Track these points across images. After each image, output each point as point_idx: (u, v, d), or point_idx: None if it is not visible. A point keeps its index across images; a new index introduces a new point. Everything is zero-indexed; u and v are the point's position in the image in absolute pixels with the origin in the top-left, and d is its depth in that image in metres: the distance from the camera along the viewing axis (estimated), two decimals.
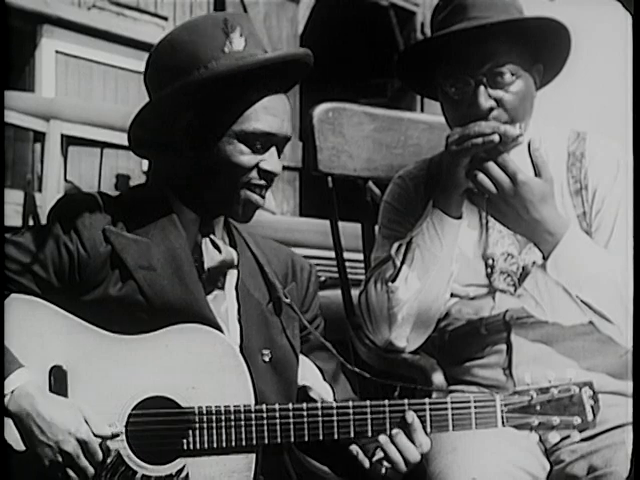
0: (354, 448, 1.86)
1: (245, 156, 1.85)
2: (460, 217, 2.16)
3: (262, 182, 1.87)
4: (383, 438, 1.83)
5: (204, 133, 1.85)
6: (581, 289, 2.10)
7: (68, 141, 5.98)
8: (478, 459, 2.02)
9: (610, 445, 2.08)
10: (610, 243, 2.16)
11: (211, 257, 1.89)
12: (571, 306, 2.14)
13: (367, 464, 1.85)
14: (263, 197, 1.89)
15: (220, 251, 1.90)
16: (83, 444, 1.73)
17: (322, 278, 4.80)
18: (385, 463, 1.84)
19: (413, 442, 1.83)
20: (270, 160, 1.86)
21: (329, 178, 2.63)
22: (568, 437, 2.10)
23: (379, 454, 1.85)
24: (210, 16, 1.89)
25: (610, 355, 2.19)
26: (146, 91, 1.93)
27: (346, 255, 2.70)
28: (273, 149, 1.87)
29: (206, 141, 1.85)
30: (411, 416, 1.83)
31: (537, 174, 2.06)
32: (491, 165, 2.05)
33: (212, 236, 1.91)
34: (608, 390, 2.15)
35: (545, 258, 2.10)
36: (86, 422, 1.74)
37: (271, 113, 1.85)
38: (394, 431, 1.82)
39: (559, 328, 2.19)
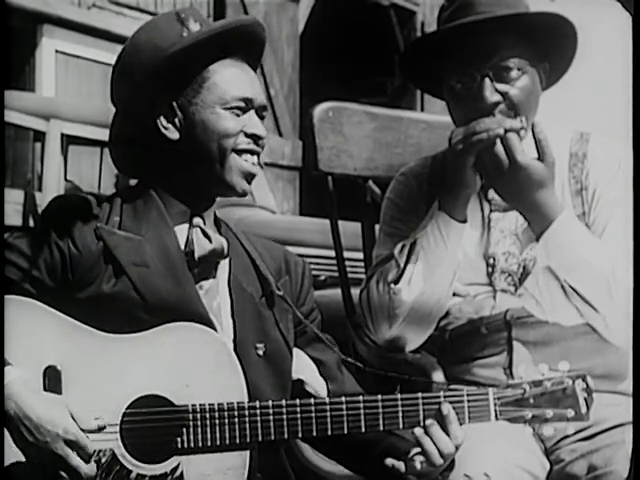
0: (389, 461, 1.86)
1: (230, 122, 1.90)
2: (465, 221, 2.16)
3: (250, 146, 1.92)
4: (418, 430, 1.83)
5: (184, 111, 1.91)
6: (569, 273, 2.11)
7: (68, 140, 5.97)
8: (478, 458, 2.02)
9: (610, 444, 2.08)
10: (603, 237, 2.16)
11: (202, 246, 1.91)
12: (571, 306, 2.15)
13: (403, 468, 1.85)
14: (254, 164, 1.93)
15: (210, 240, 1.92)
16: (72, 444, 1.73)
17: (322, 277, 4.80)
18: (420, 457, 1.84)
19: (448, 434, 1.83)
20: (253, 124, 1.92)
21: (329, 177, 2.63)
22: (569, 436, 2.12)
23: (414, 450, 1.85)
24: (162, 14, 1.99)
25: (610, 355, 2.19)
26: (114, 106, 1.99)
27: (346, 254, 2.70)
28: (252, 113, 1.93)
29: (188, 119, 1.91)
30: (447, 408, 1.84)
31: (540, 157, 2.07)
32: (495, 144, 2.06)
33: (202, 226, 1.93)
34: (608, 389, 2.15)
35: (537, 239, 2.11)
36: (73, 419, 1.74)
37: (243, 81, 1.93)
38: (428, 422, 1.83)
39: (559, 328, 2.19)
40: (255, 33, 1.96)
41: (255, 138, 1.92)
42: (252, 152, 1.93)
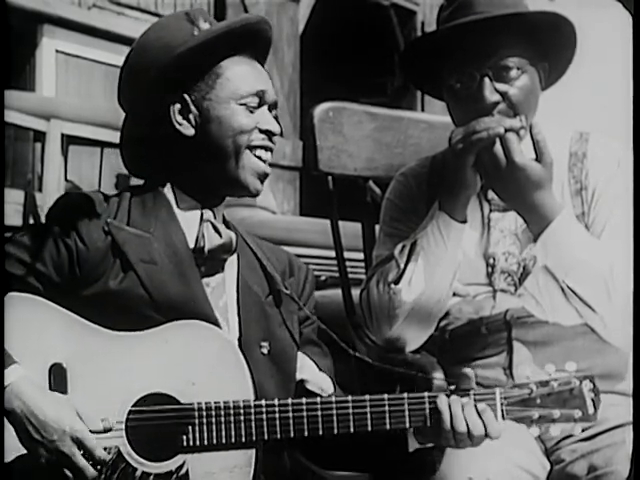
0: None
1: (244, 118, 1.92)
2: (465, 221, 2.16)
3: (265, 142, 1.93)
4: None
5: (199, 107, 1.91)
6: (567, 274, 2.11)
7: (68, 141, 5.98)
8: (479, 459, 2.02)
9: (610, 444, 2.08)
10: (602, 236, 2.16)
11: (211, 240, 1.91)
12: (570, 306, 2.14)
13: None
14: (265, 162, 1.94)
15: (220, 235, 1.93)
16: (79, 443, 1.73)
17: (323, 277, 4.80)
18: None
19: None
20: (267, 120, 1.94)
21: (329, 178, 2.63)
22: (569, 437, 2.12)
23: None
24: (170, 15, 2.00)
25: (609, 355, 2.19)
26: (121, 108, 2.00)
27: (346, 254, 2.70)
28: (265, 109, 1.94)
29: (203, 115, 1.91)
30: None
31: (538, 157, 2.07)
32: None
33: (213, 220, 1.93)
34: (608, 389, 2.14)
35: (535, 240, 2.11)
36: (80, 419, 1.74)
37: (254, 76, 1.94)
38: (465, 400, 1.83)
39: (559, 328, 2.19)
40: (262, 31, 1.97)
41: (269, 134, 1.94)
42: (266, 148, 1.94)
